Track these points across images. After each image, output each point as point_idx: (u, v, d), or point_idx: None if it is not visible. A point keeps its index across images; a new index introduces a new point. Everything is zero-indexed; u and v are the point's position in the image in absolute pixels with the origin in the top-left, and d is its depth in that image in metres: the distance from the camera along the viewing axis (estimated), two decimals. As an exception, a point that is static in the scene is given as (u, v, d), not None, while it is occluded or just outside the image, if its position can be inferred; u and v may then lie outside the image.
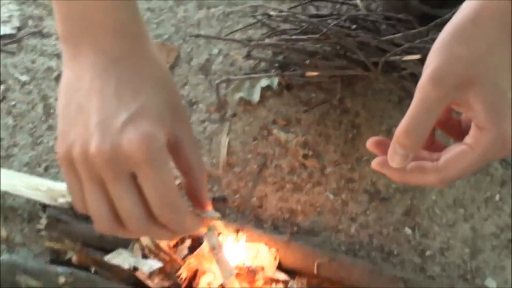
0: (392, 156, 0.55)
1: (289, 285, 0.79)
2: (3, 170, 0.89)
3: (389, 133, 0.93)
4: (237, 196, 0.89)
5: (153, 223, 0.52)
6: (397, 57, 0.87)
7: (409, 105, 0.96)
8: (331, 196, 0.89)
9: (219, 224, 0.79)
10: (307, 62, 0.93)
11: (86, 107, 0.51)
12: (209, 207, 0.60)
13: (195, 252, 0.79)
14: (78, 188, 0.52)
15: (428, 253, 0.85)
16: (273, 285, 0.78)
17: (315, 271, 0.79)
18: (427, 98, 0.53)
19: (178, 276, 0.77)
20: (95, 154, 0.49)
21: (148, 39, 0.57)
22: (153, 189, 0.50)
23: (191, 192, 0.59)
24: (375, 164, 0.58)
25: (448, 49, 0.53)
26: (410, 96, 0.91)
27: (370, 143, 0.59)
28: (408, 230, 0.86)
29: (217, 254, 0.69)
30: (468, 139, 0.53)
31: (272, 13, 0.97)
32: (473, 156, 0.53)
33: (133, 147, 0.49)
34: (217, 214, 0.63)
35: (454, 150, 0.54)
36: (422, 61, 0.89)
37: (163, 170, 0.50)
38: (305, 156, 0.92)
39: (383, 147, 0.58)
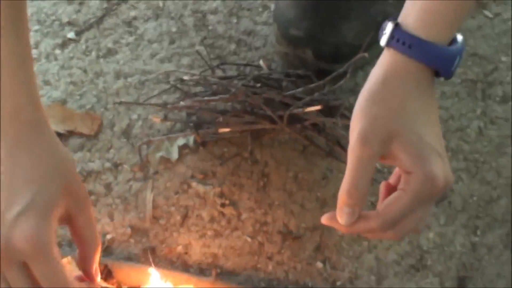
0: (340, 216, 0.59)
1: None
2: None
3: (296, 179, 1.00)
4: (164, 245, 0.94)
5: None
6: (300, 110, 0.95)
7: (312, 152, 1.07)
8: (249, 239, 0.95)
9: None
10: (219, 120, 0.98)
11: None
12: (97, 279, 0.64)
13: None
14: None
15: (338, 283, 0.92)
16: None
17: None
18: (359, 158, 0.57)
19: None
20: None
21: (46, 124, 0.59)
22: (43, 278, 0.56)
23: (83, 264, 0.63)
24: (324, 219, 0.62)
25: (366, 112, 0.58)
26: (313, 143, 1.01)
27: (324, 220, 0.62)
28: (319, 264, 0.93)
29: None
30: (401, 184, 0.59)
31: (184, 77, 1.02)
32: (406, 198, 0.57)
33: (23, 242, 0.54)
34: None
35: (390, 196, 0.59)
36: (322, 112, 0.98)
37: (50, 261, 0.56)
38: (223, 205, 0.97)
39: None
